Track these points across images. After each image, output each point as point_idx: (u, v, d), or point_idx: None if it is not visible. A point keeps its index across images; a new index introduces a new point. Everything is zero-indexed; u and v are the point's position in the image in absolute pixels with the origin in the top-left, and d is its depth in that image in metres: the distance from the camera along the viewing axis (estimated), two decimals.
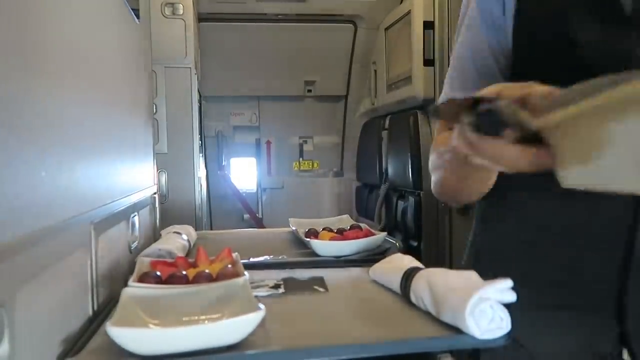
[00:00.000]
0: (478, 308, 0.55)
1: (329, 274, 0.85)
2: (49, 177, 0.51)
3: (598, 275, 0.71)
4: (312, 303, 0.72)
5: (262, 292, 0.75)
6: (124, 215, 0.87)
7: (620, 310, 0.71)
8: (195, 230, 1.18)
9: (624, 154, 0.38)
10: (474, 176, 0.69)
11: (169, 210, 1.94)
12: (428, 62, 2.27)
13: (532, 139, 0.45)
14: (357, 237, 1.00)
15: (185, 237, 1.05)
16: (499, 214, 0.79)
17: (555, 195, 0.56)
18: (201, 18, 2.85)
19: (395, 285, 0.72)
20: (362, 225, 1.10)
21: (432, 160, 0.78)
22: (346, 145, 3.60)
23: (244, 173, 3.76)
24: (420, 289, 0.65)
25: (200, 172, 2.44)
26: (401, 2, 2.61)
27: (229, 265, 0.74)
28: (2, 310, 0.40)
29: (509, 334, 0.56)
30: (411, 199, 2.35)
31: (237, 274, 0.70)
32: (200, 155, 2.51)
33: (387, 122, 2.70)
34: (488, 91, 0.50)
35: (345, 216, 1.27)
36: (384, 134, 2.71)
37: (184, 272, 0.70)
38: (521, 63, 0.74)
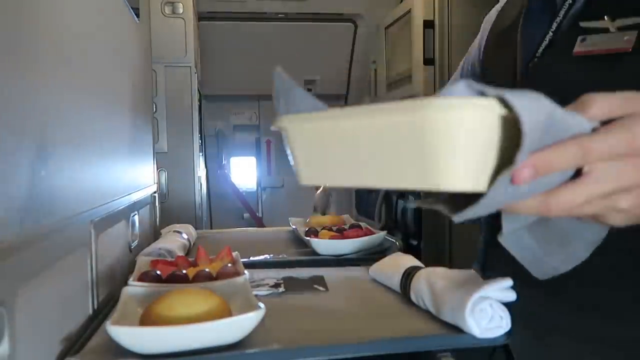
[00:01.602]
0: (478, 307, 0.55)
1: (329, 273, 0.85)
2: (48, 176, 0.51)
3: None
4: (312, 302, 0.72)
5: (262, 291, 0.75)
6: (124, 214, 0.87)
7: None
8: (195, 229, 1.18)
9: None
10: None
11: (168, 209, 1.94)
12: (428, 61, 2.27)
13: None
14: (357, 236, 1.00)
15: (185, 236, 1.05)
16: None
17: None
18: (201, 17, 2.85)
19: (395, 284, 0.72)
20: (362, 224, 1.10)
21: None
22: None
23: (244, 172, 3.76)
24: (420, 288, 0.65)
25: (200, 171, 2.44)
26: (401, 1, 2.61)
27: (229, 264, 0.74)
28: (2, 309, 0.40)
29: (508, 332, 0.56)
30: (411, 198, 2.35)
31: (237, 273, 0.70)
32: (200, 154, 2.51)
33: None
34: None
35: (345, 215, 1.27)
36: None
37: (184, 271, 0.70)
38: None
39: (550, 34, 0.69)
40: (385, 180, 0.40)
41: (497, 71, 0.80)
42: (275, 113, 0.48)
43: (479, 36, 0.91)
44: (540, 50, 0.70)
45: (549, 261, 0.48)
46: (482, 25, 0.90)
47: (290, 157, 0.46)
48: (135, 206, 0.95)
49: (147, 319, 0.54)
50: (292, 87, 0.47)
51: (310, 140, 0.45)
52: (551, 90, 0.68)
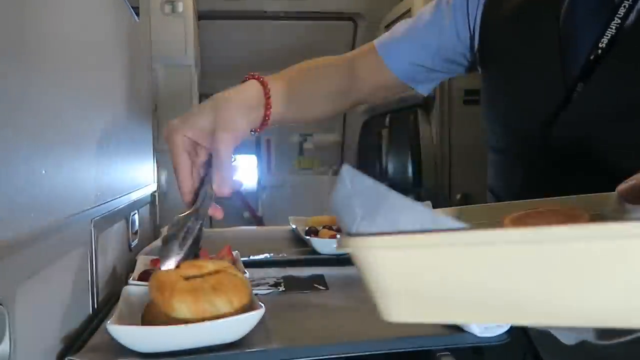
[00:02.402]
0: None
1: (329, 272, 0.85)
2: (48, 175, 0.51)
3: None
4: (312, 301, 0.72)
5: (262, 290, 0.75)
6: (124, 213, 0.87)
7: None
8: None
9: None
10: None
11: (169, 208, 1.94)
12: None
13: None
14: None
15: None
16: None
17: None
18: (201, 16, 2.84)
19: None
20: None
21: None
22: (346, 144, 3.59)
23: (244, 171, 3.76)
24: None
25: None
26: (401, 0, 2.61)
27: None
28: (3, 309, 0.40)
29: (509, 331, 0.56)
30: (411, 197, 2.35)
31: None
32: None
33: (388, 120, 2.69)
34: None
35: None
36: (384, 132, 2.71)
37: None
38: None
39: (617, 20, 0.63)
40: (551, 319, 0.31)
41: (521, 62, 0.74)
42: (345, 229, 0.33)
43: (452, 19, 0.82)
44: (605, 40, 0.63)
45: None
46: (460, 8, 0.81)
47: (370, 285, 0.32)
48: (135, 205, 0.95)
49: (147, 318, 0.54)
50: (376, 192, 0.33)
51: (419, 267, 0.32)
52: (631, 84, 0.63)
